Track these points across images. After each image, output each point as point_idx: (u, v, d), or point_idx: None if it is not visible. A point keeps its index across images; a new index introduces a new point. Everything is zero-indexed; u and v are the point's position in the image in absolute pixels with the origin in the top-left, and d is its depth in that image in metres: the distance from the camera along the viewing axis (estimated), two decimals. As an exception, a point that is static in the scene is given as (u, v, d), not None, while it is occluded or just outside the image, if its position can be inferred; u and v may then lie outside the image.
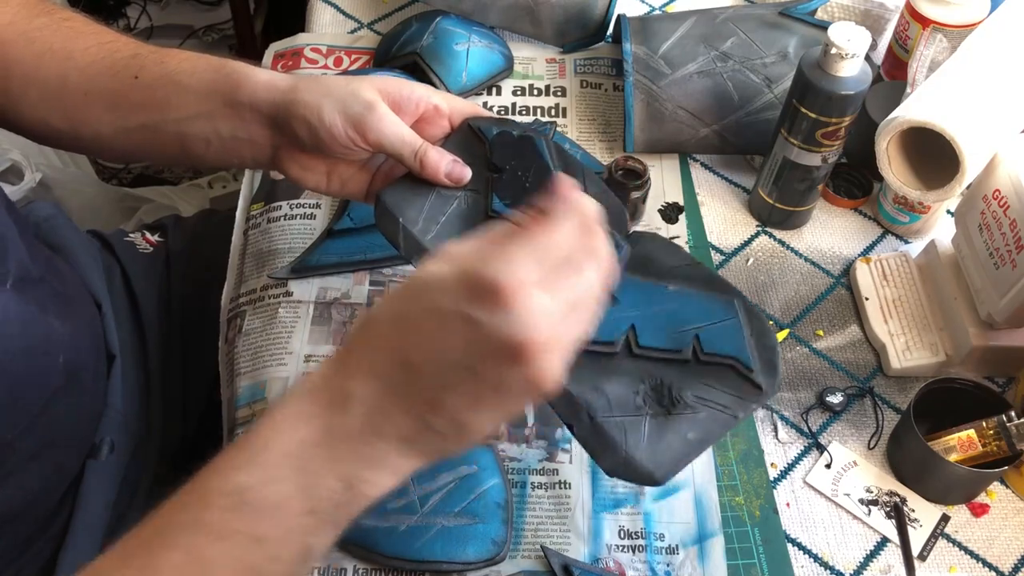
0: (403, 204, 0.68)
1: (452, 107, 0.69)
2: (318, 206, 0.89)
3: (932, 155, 0.76)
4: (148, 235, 0.95)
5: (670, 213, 0.90)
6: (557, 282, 0.45)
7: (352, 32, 1.08)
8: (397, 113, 0.66)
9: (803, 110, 0.79)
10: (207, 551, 0.44)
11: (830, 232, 0.91)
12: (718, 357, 0.61)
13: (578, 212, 0.48)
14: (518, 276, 0.43)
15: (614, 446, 0.59)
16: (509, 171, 0.70)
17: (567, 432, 0.75)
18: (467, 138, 0.71)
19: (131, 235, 0.95)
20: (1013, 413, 0.70)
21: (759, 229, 0.91)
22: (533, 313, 0.43)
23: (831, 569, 0.70)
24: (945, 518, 0.72)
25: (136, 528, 0.46)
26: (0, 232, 0.67)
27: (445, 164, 0.67)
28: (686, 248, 0.87)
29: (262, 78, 0.66)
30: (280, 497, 0.45)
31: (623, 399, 0.60)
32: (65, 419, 0.72)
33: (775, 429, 0.77)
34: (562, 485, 0.72)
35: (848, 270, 0.87)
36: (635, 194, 0.86)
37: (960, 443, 0.72)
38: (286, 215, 0.88)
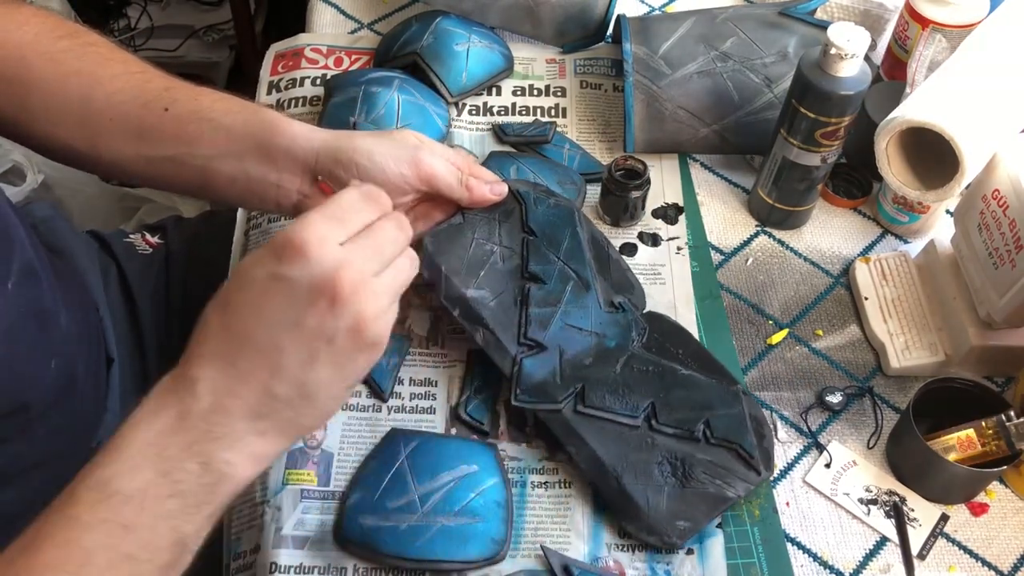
0: (444, 251, 0.74)
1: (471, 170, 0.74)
2: (318, 206, 0.89)
3: (932, 155, 0.76)
4: (148, 236, 0.95)
5: (670, 213, 0.90)
6: (355, 235, 0.52)
7: (352, 32, 1.08)
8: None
9: (803, 110, 0.79)
10: (82, 542, 0.47)
11: (829, 232, 0.91)
12: (726, 442, 0.70)
13: (360, 187, 0.55)
14: (315, 230, 0.50)
15: (638, 511, 0.68)
16: (543, 236, 0.77)
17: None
18: (505, 198, 0.77)
19: (131, 236, 0.94)
20: (1012, 413, 0.70)
21: (759, 229, 0.91)
22: (335, 258, 0.50)
23: (831, 568, 0.70)
24: (944, 517, 0.72)
25: (21, 536, 0.49)
26: (7, 229, 0.67)
27: (488, 186, 0.73)
28: (686, 248, 0.87)
29: (300, 128, 0.69)
30: (141, 484, 0.48)
31: (646, 469, 0.69)
32: (65, 424, 0.72)
33: (775, 429, 0.77)
34: (562, 484, 0.72)
35: (847, 270, 0.87)
36: (635, 194, 0.86)
37: (959, 443, 0.72)
38: (286, 215, 0.88)
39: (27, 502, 0.69)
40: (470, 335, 0.73)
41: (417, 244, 0.69)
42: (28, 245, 0.70)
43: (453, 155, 0.73)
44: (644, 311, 0.79)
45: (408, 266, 0.57)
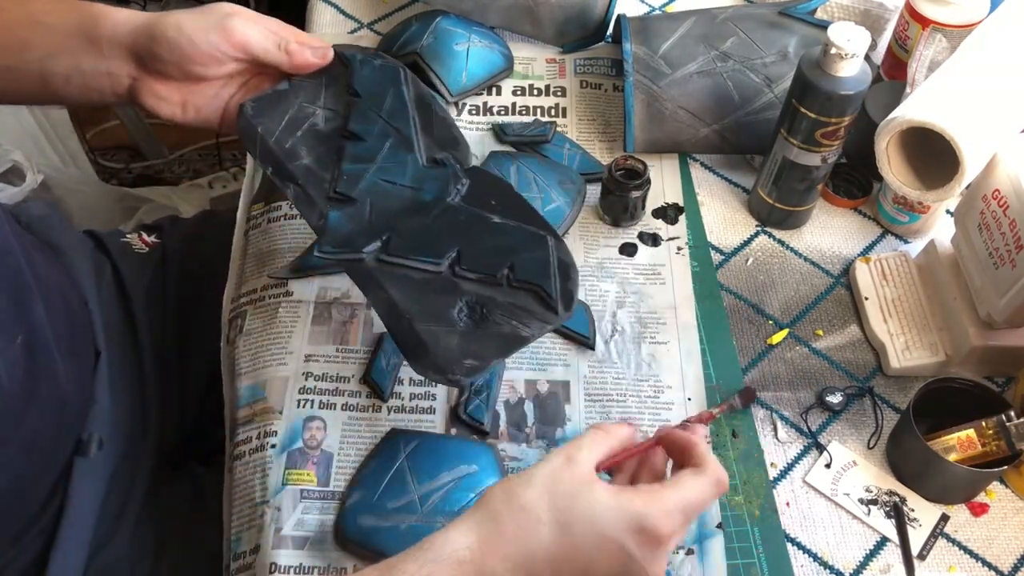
0: (264, 114, 0.77)
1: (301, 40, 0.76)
2: (318, 206, 0.89)
3: (932, 155, 0.76)
4: (144, 235, 0.95)
5: (670, 213, 0.90)
6: (688, 525, 0.57)
7: (352, 32, 1.08)
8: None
9: (803, 110, 0.79)
10: None
11: (830, 232, 0.91)
12: (527, 284, 0.70)
13: (717, 476, 0.57)
14: (671, 528, 0.54)
15: (426, 350, 0.68)
16: (367, 96, 0.78)
17: (567, 432, 0.75)
18: (331, 62, 0.79)
19: (127, 235, 0.95)
20: (1012, 413, 0.70)
21: (759, 229, 0.91)
22: (670, 551, 0.56)
23: (831, 568, 0.70)
24: (945, 518, 0.72)
25: None
26: None
27: (311, 50, 0.76)
28: (686, 248, 0.87)
29: (122, 14, 0.72)
30: None
31: (440, 313, 0.70)
32: (49, 410, 0.72)
33: (775, 429, 0.77)
34: (562, 485, 0.72)
35: (848, 270, 0.87)
36: (635, 194, 0.86)
37: (960, 443, 0.72)
38: (286, 215, 0.88)
39: (15, 490, 0.70)
40: (285, 193, 0.76)
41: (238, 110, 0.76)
42: (4, 222, 0.70)
43: (275, 24, 0.75)
44: (468, 167, 0.78)
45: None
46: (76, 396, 0.76)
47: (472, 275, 0.71)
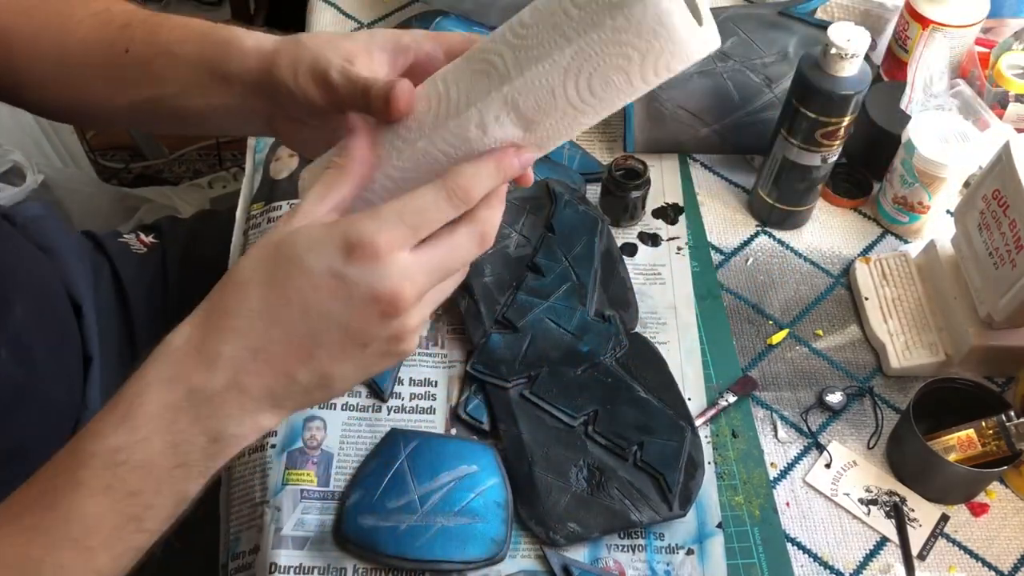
0: None
1: (445, 45, 0.58)
2: (318, 206, 0.89)
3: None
4: (143, 236, 0.95)
5: (670, 213, 0.90)
6: (429, 245, 0.48)
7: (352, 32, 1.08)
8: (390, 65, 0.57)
9: (803, 110, 0.79)
10: (87, 506, 0.48)
11: (830, 232, 0.91)
12: (651, 469, 0.70)
13: (445, 184, 0.48)
14: (389, 235, 0.46)
15: (537, 499, 0.69)
16: (561, 235, 0.80)
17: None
18: (540, 192, 0.83)
19: (126, 236, 0.94)
20: (1012, 413, 0.70)
21: (759, 229, 0.91)
22: (403, 269, 0.46)
23: (831, 569, 0.70)
24: (945, 518, 0.72)
25: (16, 493, 0.49)
26: None
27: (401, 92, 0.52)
28: (686, 248, 0.87)
29: (251, 40, 0.60)
30: (149, 455, 0.48)
31: (561, 467, 0.70)
32: (37, 414, 0.72)
33: (775, 429, 0.77)
34: (562, 485, 0.72)
35: (848, 270, 0.87)
36: (635, 194, 0.86)
37: (960, 443, 0.72)
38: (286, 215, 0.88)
39: (4, 495, 0.69)
40: (456, 302, 0.76)
41: None
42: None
43: (430, 49, 0.58)
44: (632, 331, 0.79)
45: (458, 280, 0.53)
46: (65, 401, 0.76)
47: (602, 440, 0.72)
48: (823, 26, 0.89)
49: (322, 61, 0.56)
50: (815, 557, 0.70)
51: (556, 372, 0.74)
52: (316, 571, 0.67)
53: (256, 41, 0.60)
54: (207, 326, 0.49)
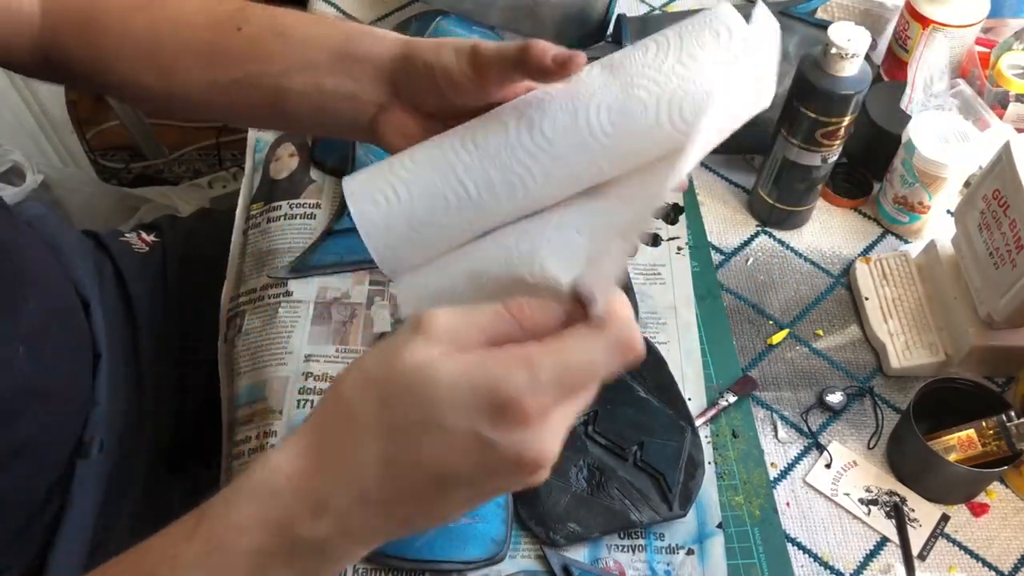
0: None
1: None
2: (318, 206, 0.89)
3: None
4: (143, 235, 0.95)
5: (670, 213, 0.90)
6: (576, 399, 0.42)
7: (352, 32, 1.08)
8: None
9: (803, 110, 0.79)
10: None
11: (830, 232, 0.91)
12: (651, 469, 0.70)
13: (618, 334, 0.42)
14: (541, 399, 0.40)
15: (536, 499, 0.69)
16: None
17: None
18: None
19: (127, 235, 0.94)
20: (1013, 413, 0.70)
21: (759, 229, 0.91)
22: (555, 431, 0.41)
23: (831, 569, 0.70)
24: (945, 518, 0.72)
25: None
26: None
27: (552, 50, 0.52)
28: (686, 248, 0.87)
29: (387, 37, 0.62)
30: None
31: (561, 467, 0.70)
32: (47, 415, 0.72)
33: (775, 429, 0.77)
34: (562, 485, 0.72)
35: (848, 270, 0.87)
36: (635, 194, 0.86)
37: (960, 443, 0.72)
38: (286, 215, 0.88)
39: (14, 491, 0.70)
40: None
41: None
42: (6, 221, 0.69)
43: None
44: None
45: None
46: (76, 398, 0.76)
47: (602, 440, 0.72)
48: (823, 26, 0.89)
49: (464, 40, 0.57)
50: (815, 557, 0.70)
51: None
52: (316, 571, 0.67)
53: (394, 36, 0.62)
54: (318, 465, 0.42)
